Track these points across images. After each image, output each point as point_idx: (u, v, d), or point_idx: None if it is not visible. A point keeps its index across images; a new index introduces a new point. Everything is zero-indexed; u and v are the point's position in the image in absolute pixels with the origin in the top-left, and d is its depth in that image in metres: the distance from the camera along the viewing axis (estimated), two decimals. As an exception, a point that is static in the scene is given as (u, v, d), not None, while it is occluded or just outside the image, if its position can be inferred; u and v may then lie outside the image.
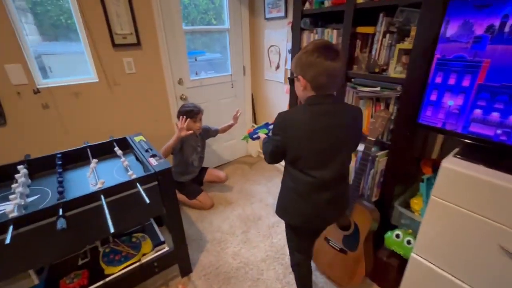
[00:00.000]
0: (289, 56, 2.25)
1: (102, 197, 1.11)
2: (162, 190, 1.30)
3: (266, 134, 1.61)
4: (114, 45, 1.86)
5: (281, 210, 1.15)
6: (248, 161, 2.93)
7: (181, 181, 2.16)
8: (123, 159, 1.39)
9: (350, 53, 1.46)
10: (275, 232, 1.94)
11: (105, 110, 1.98)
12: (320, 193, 1.05)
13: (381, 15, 1.32)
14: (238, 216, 2.09)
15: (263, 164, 2.86)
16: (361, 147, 1.50)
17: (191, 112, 1.96)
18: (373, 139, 1.37)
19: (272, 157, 1.10)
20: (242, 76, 2.67)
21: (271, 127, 1.72)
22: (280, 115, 1.02)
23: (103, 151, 1.59)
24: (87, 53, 1.84)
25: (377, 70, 1.37)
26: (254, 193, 2.38)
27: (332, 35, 1.56)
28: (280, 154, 1.06)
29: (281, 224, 2.01)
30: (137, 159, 1.54)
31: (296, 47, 1.77)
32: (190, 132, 1.88)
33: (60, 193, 1.13)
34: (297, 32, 1.72)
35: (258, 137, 1.61)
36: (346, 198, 1.15)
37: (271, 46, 2.40)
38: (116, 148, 1.52)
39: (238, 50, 2.55)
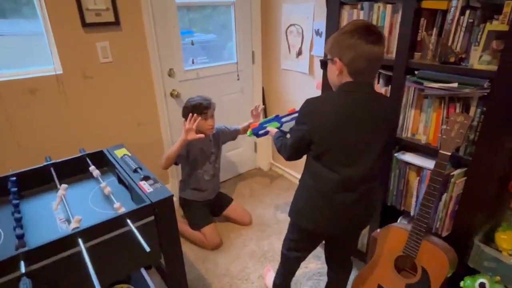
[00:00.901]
0: (317, 38, 2.18)
1: (81, 241, 1.00)
2: (161, 228, 1.19)
3: (278, 128, 1.64)
4: (85, 24, 1.77)
5: (296, 212, 1.26)
6: (257, 177, 2.89)
7: (189, 199, 2.06)
8: (103, 183, 1.28)
9: (411, 36, 1.38)
10: (305, 276, 1.84)
11: (71, 113, 1.89)
12: (346, 193, 1.14)
13: (458, -16, 1.24)
14: (252, 254, 2.02)
15: (278, 181, 2.81)
16: (426, 163, 1.43)
17: (199, 107, 1.88)
18: (448, 153, 1.28)
19: (294, 150, 1.20)
20: (250, 65, 2.61)
21: (285, 119, 1.68)
22: (308, 101, 1.11)
23: (72, 171, 1.48)
24: (47, 35, 1.75)
25: (452, 59, 1.29)
26: (269, 220, 2.32)
27: (385, 11, 1.48)
28: (303, 147, 1.15)
29: (311, 264, 1.92)
30: (120, 180, 1.43)
31: (332, 28, 1.69)
32: (201, 136, 1.80)
33: (20, 237, 1.01)
34: (334, 8, 1.65)
35: (267, 133, 1.67)
36: (374, 205, 1.25)
37: (291, 25, 2.34)
38: (92, 168, 1.40)
39: (246, 31, 2.50)
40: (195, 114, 1.82)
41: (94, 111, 1.96)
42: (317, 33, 2.18)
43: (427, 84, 1.35)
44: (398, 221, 1.63)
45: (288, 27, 2.37)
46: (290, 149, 1.21)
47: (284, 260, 1.45)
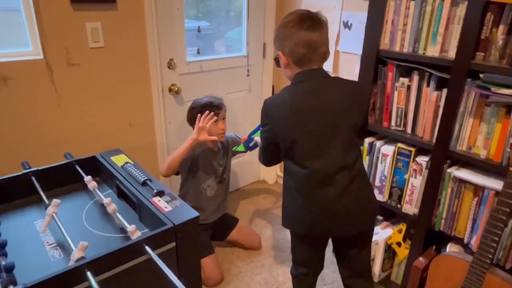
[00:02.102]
0: (345, 32, 2.15)
1: (90, 275, 0.88)
2: (182, 257, 1.09)
3: None
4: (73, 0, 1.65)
5: (286, 218, 1.36)
6: (262, 191, 2.84)
7: None
8: (106, 200, 1.16)
9: (476, 33, 1.36)
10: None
11: (51, 108, 1.77)
12: (323, 188, 1.22)
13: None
14: (265, 285, 1.93)
15: None
16: (487, 181, 1.40)
17: (210, 106, 1.86)
18: (521, 172, 1.25)
19: (266, 154, 1.36)
20: (260, 59, 2.56)
21: None
22: (265, 101, 1.26)
23: (58, 180, 1.37)
24: (25, 11, 1.64)
25: (527, 62, 1.27)
26: (282, 244, 2.25)
27: (442, 4, 1.45)
28: (273, 149, 1.29)
29: (338, 299, 1.85)
30: (120, 193, 1.33)
31: (375, 21, 1.66)
32: (214, 138, 1.81)
33: (8, 269, 0.88)
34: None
35: (256, 145, 1.81)
36: (366, 199, 1.32)
37: None
38: (88, 179, 1.28)
39: (259, 18, 2.45)
40: (214, 114, 1.80)
41: (79, 107, 1.84)
42: (346, 25, 2.14)
43: (495, 89, 1.32)
44: (448, 248, 1.59)
45: (309, 17, 2.32)
46: (262, 153, 1.37)
47: (294, 283, 1.54)
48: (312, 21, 1.16)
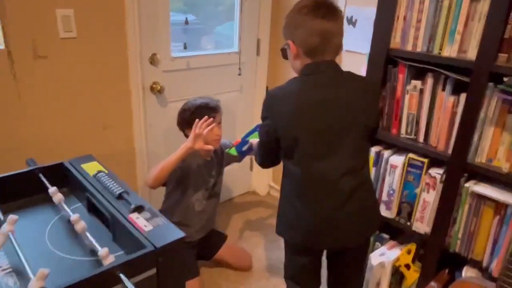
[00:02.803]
0: (349, 28, 2.10)
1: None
2: (164, 285, 1.00)
3: None
4: (42, -18, 1.57)
5: (281, 225, 1.34)
6: (253, 203, 2.78)
7: None
8: (74, 216, 1.05)
9: (500, 32, 1.31)
10: None
11: (12, 106, 1.67)
12: (325, 194, 1.21)
13: None
14: None
15: None
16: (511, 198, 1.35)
17: (204, 108, 1.78)
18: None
19: (264, 151, 1.33)
20: (254, 57, 2.52)
21: None
22: (268, 92, 1.25)
23: (16, 192, 1.27)
24: None
25: (558, 65, 1.22)
26: (275, 264, 2.19)
27: (462, -2, 1.40)
28: (273, 146, 1.25)
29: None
30: (91, 207, 1.24)
31: (385, 17, 1.60)
32: (209, 147, 1.72)
33: None
34: (391, -10, 1.56)
35: (251, 148, 1.75)
36: (371, 210, 1.33)
37: None
38: (53, 190, 1.18)
39: (253, 13, 2.41)
40: (209, 118, 1.70)
41: (45, 106, 1.75)
42: (350, 21, 2.09)
43: (522, 95, 1.27)
44: (464, 272, 1.53)
45: (309, 11, 2.27)
46: (260, 151, 1.35)
47: None
48: (328, 9, 1.13)
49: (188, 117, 1.77)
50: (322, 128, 1.17)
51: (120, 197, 1.16)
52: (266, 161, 1.37)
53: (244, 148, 1.74)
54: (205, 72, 2.29)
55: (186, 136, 1.82)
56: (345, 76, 1.23)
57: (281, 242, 2.36)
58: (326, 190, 1.21)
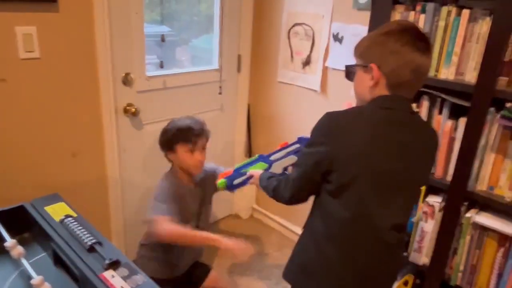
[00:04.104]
0: (335, 45, 2.03)
1: None
2: None
3: (266, 169, 1.46)
4: (0, -2, 1.42)
5: (297, 270, 1.16)
6: (237, 228, 2.67)
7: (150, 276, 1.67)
8: (36, 280, 0.89)
9: (500, 55, 1.27)
10: None
11: None
12: (371, 244, 1.06)
13: None
14: None
15: (265, 235, 2.60)
16: None
17: (186, 132, 1.62)
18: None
19: (303, 183, 1.11)
20: (235, 74, 2.43)
21: (276, 157, 1.50)
22: (330, 114, 1.05)
23: None
24: None
25: None
26: None
27: (459, 19, 1.35)
28: (317, 179, 1.06)
29: None
30: (56, 259, 1.08)
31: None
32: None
33: None
34: (383, 8, 1.51)
35: (247, 180, 1.45)
36: (398, 265, 1.26)
37: (296, 25, 2.21)
38: (11, 244, 1.01)
39: (233, 27, 2.32)
40: (189, 142, 1.60)
41: (5, 133, 1.58)
42: (336, 38, 2.02)
43: (525, 122, 1.22)
44: (466, 307, 1.46)
45: (293, 26, 2.23)
46: (296, 183, 1.12)
47: None
48: (427, 43, 1.01)
49: (169, 139, 1.64)
50: (390, 172, 1.03)
51: (91, 249, 1.01)
52: (297, 197, 1.14)
53: (237, 181, 1.47)
54: (183, 91, 2.17)
55: (168, 158, 1.69)
56: (416, 119, 1.12)
57: (267, 269, 2.28)
58: (371, 240, 1.06)
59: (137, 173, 2.04)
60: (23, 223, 1.19)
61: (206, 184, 1.80)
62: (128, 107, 1.92)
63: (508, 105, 1.27)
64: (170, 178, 1.68)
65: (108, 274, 0.93)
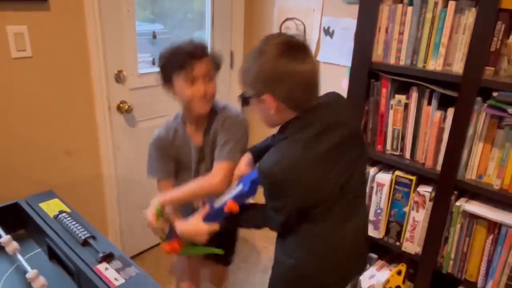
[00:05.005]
0: (326, 39, 2.05)
1: None
2: None
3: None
4: (-10, -3, 1.43)
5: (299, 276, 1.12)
6: None
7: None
8: (31, 272, 0.91)
9: (486, 45, 1.28)
10: None
11: None
12: (355, 256, 1.17)
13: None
14: None
15: (247, 254, 2.51)
16: (505, 217, 1.32)
17: (180, 55, 1.25)
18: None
19: (289, 223, 1.07)
20: (227, 70, 2.43)
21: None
22: (270, 174, 0.98)
23: None
24: None
25: (547, 79, 1.19)
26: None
27: (446, 11, 1.37)
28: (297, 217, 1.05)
29: None
30: (52, 254, 1.10)
31: (366, 29, 1.55)
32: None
33: None
34: (372, 2, 1.52)
35: (221, 214, 1.17)
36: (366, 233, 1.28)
37: (288, 19, 2.22)
38: (6, 239, 1.03)
39: (225, 24, 2.32)
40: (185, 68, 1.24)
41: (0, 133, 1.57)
42: (327, 32, 2.03)
43: (511, 111, 1.23)
44: (458, 294, 1.48)
45: (284, 21, 2.23)
46: (281, 226, 1.10)
47: None
48: (305, 50, 0.99)
49: (162, 69, 1.32)
50: (340, 172, 1.04)
51: (85, 243, 1.03)
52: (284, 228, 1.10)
53: (213, 218, 1.18)
54: (176, 88, 2.17)
55: (174, 98, 1.37)
56: (331, 102, 1.10)
57: (267, 265, 2.22)
58: (357, 254, 1.19)
59: (132, 169, 2.05)
60: (18, 220, 1.22)
61: (214, 135, 1.36)
62: (121, 105, 1.93)
63: (494, 94, 1.29)
64: (174, 122, 1.45)
65: (102, 267, 0.95)
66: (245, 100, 1.07)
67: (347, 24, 1.92)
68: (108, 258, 0.97)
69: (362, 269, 1.31)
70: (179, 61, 1.24)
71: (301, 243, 1.08)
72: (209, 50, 1.31)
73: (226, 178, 1.23)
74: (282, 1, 2.21)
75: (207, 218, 1.17)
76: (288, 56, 0.95)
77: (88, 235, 1.04)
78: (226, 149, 1.27)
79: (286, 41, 0.98)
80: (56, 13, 1.61)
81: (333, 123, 1.04)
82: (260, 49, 0.99)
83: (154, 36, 2.06)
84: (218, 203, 1.16)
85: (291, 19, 2.19)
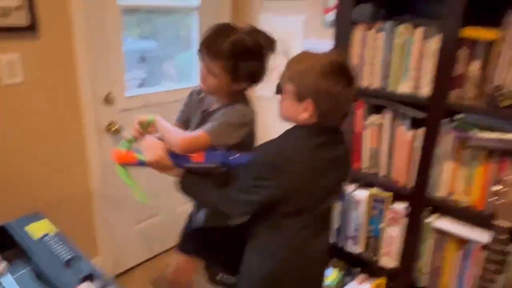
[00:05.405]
0: (308, 60, 2.11)
1: None
2: None
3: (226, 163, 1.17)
4: (-17, 27, 1.50)
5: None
6: None
7: None
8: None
9: (451, 69, 1.36)
10: None
11: None
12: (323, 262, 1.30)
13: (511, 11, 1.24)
14: None
15: None
16: (472, 233, 1.37)
17: (201, 48, 1.28)
18: (509, 225, 1.23)
19: (251, 209, 1.14)
20: None
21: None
22: (273, 151, 1.08)
23: None
24: None
25: (506, 103, 1.27)
26: None
27: (412, 38, 1.44)
28: (264, 205, 1.10)
29: None
30: (38, 274, 1.15)
31: (342, 51, 1.62)
32: None
33: None
34: (345, 27, 1.61)
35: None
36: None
37: None
38: (-7, 261, 1.08)
39: None
40: None
41: None
42: (309, 53, 2.11)
43: (475, 133, 1.30)
44: (432, 308, 1.53)
45: (269, 43, 2.28)
46: (247, 207, 1.14)
47: None
48: (354, 75, 1.08)
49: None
50: (327, 185, 1.14)
51: (68, 264, 1.09)
52: (244, 214, 1.22)
53: (176, 157, 1.19)
54: (165, 108, 2.21)
55: None
56: (339, 137, 1.19)
57: None
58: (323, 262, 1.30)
59: (121, 188, 2.09)
60: (7, 241, 1.26)
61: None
62: (110, 126, 1.98)
63: (458, 116, 1.36)
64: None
65: (83, 287, 1.01)
66: (280, 91, 1.12)
67: (326, 47, 2.00)
68: (88, 278, 1.03)
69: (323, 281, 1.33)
70: (200, 44, 1.28)
71: (274, 253, 1.14)
72: (229, 52, 1.25)
73: (191, 147, 1.21)
74: (268, 24, 2.28)
75: (172, 154, 1.19)
76: (344, 79, 1.04)
77: (70, 256, 1.10)
78: (211, 124, 1.26)
79: (342, 64, 1.06)
80: (46, 41, 1.67)
81: (335, 140, 1.15)
82: (318, 63, 1.03)
83: (143, 59, 2.13)
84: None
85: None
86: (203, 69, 1.31)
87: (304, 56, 1.10)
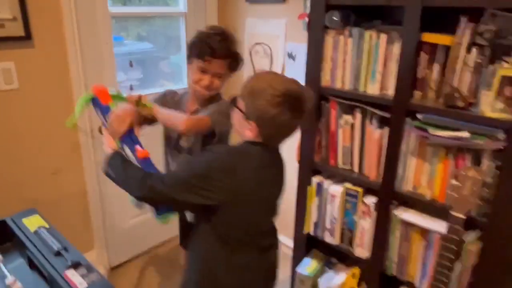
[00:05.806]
0: (290, 62, 2.22)
1: None
2: None
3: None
4: (-20, 38, 1.61)
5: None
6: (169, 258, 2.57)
7: None
8: (10, 279, 1.09)
9: (412, 72, 1.45)
10: None
11: None
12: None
13: (463, 19, 1.33)
14: None
15: None
16: (434, 224, 1.46)
17: (205, 47, 1.37)
18: (462, 216, 1.33)
19: (185, 202, 1.12)
20: None
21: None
22: (225, 155, 1.14)
23: None
24: None
25: (460, 103, 1.36)
26: None
27: (378, 42, 1.54)
28: (202, 204, 1.10)
29: None
30: (31, 263, 1.27)
31: (314, 56, 1.72)
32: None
33: None
34: (316, 33, 1.69)
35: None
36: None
37: (257, 44, 2.38)
38: (-9, 252, 1.20)
39: None
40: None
41: None
42: (290, 56, 2.21)
43: (433, 131, 1.40)
44: (400, 294, 1.64)
45: (254, 46, 2.40)
46: (180, 198, 1.09)
47: None
48: (306, 110, 1.11)
49: (188, 47, 1.46)
50: (269, 197, 1.25)
51: (58, 253, 1.20)
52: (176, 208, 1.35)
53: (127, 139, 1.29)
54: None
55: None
56: (279, 156, 1.25)
57: None
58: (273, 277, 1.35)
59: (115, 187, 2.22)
60: (5, 235, 1.38)
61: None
62: (103, 127, 2.09)
63: (419, 116, 1.45)
64: (184, 90, 1.62)
65: (70, 273, 1.12)
66: (234, 104, 1.14)
67: (306, 50, 2.10)
68: (75, 266, 1.14)
69: None
70: (201, 51, 1.36)
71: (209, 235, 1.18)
72: (233, 50, 1.43)
73: (194, 127, 1.33)
74: (252, 28, 2.39)
75: (126, 135, 1.29)
76: (296, 111, 1.06)
77: (59, 247, 1.22)
78: (207, 112, 1.38)
79: (298, 95, 1.07)
80: (40, 49, 1.78)
81: (277, 159, 1.23)
82: (272, 88, 1.04)
83: (131, 65, 2.23)
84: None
85: (260, 43, 2.36)
86: (207, 75, 1.39)
87: (262, 77, 1.12)
